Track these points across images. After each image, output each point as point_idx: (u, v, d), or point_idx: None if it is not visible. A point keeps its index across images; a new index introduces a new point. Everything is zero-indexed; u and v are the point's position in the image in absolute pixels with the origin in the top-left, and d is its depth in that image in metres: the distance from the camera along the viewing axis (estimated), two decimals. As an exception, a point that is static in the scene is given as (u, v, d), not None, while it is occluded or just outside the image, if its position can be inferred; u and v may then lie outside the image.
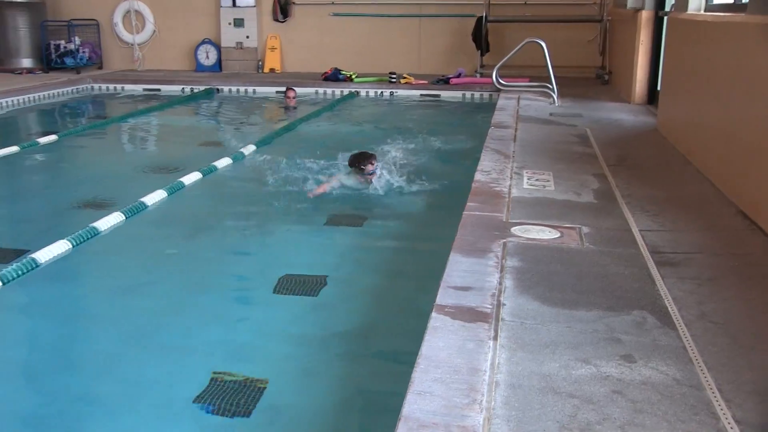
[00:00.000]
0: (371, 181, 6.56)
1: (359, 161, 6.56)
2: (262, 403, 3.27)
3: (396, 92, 13.51)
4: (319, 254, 5.29)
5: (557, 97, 10.59)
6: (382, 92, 13.56)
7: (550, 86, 10.71)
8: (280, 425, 3.21)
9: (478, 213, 4.97)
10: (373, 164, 6.56)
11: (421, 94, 13.34)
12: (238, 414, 3.20)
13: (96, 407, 3.38)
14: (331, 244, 5.54)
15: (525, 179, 5.94)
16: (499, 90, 11.86)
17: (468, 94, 13.16)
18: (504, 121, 8.99)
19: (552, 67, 10.62)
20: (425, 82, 13.65)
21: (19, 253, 5.01)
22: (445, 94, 13.23)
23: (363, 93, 13.55)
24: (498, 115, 9.52)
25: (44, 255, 4.95)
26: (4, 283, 4.53)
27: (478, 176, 6.02)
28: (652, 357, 2.93)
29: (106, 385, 3.57)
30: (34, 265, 4.82)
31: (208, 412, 3.23)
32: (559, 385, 2.72)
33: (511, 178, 5.98)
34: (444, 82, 13.51)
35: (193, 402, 3.29)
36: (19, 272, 4.68)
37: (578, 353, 2.97)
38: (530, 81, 12.05)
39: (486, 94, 12.83)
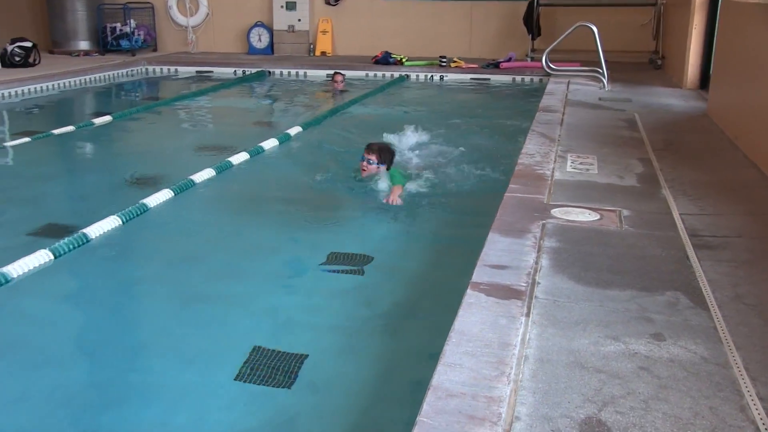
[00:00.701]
0: (362, 175, 6.07)
1: (365, 147, 6.14)
2: (302, 376, 3.37)
3: (446, 76, 13.52)
4: (366, 232, 5.37)
5: (607, 82, 10.48)
6: (432, 76, 13.58)
7: (601, 71, 10.59)
8: (321, 396, 3.31)
9: (519, 195, 5.00)
10: (369, 156, 6.00)
11: (471, 78, 13.32)
12: (279, 385, 3.31)
13: (144, 375, 3.53)
14: (377, 222, 5.62)
15: (569, 162, 5.94)
16: (549, 74, 11.79)
17: (518, 78, 13.09)
18: (552, 105, 8.95)
19: (603, 51, 10.50)
20: (475, 66, 13.61)
21: (71, 229, 5.22)
22: (495, 79, 13.19)
23: (413, 77, 13.59)
24: (546, 99, 9.48)
25: (95, 230, 5.16)
26: (56, 257, 4.73)
27: (521, 159, 6.05)
28: (681, 336, 2.95)
29: (153, 354, 3.73)
30: (85, 240, 5.02)
31: (250, 382, 3.35)
32: (587, 361, 2.77)
33: (555, 161, 5.99)
34: (494, 66, 13.46)
35: (236, 371, 3.41)
36: (71, 246, 4.89)
37: (608, 331, 3.00)
38: (581, 66, 11.93)
39: (536, 79, 12.76)
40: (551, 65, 11.64)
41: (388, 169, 6.08)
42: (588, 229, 4.29)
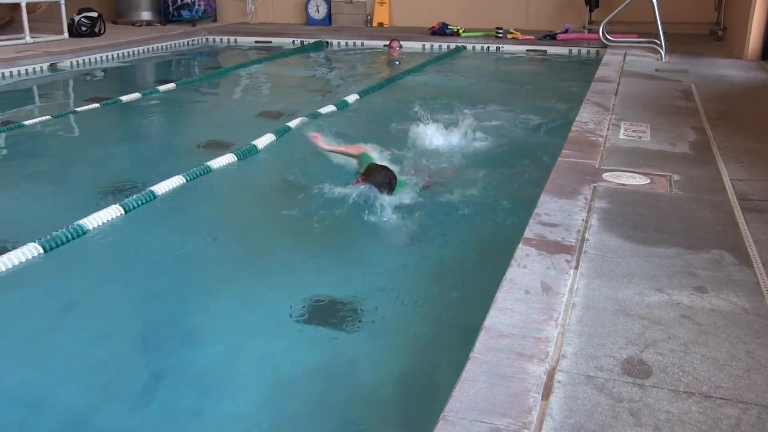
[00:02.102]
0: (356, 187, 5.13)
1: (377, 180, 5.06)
2: (363, 321, 3.59)
3: (502, 47, 13.53)
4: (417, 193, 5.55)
5: (665, 53, 10.39)
6: (488, 47, 13.61)
7: (659, 42, 10.50)
8: (379, 340, 3.52)
9: (572, 160, 5.12)
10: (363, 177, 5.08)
11: (527, 50, 13.31)
12: (340, 329, 3.54)
13: (208, 321, 3.78)
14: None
15: (622, 130, 6.01)
16: (606, 46, 11.73)
17: (574, 50, 13.02)
18: (607, 75, 8.96)
19: (661, 22, 10.41)
20: (532, 37, 13.59)
21: (139, 187, 5.52)
22: (552, 50, 13.15)
23: (469, 47, 13.64)
24: (602, 69, 9.48)
25: (161, 188, 5.46)
26: (126, 212, 5.04)
27: (575, 126, 6.15)
28: (724, 289, 3.08)
29: (216, 303, 3.97)
30: (152, 197, 5.33)
31: (311, 325, 3.59)
32: (631, 309, 2.92)
33: (608, 129, 6.07)
34: (551, 38, 13.41)
35: (294, 320, 3.65)
36: (139, 202, 5.20)
37: (653, 283, 3.15)
38: (638, 37, 11.83)
39: (592, 51, 12.68)
40: (608, 37, 11.58)
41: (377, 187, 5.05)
42: (638, 192, 4.41)
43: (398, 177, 5.16)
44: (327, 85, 10.78)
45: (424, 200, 5.20)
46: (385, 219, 4.83)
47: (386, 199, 4.96)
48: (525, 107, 8.31)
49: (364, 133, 7.29)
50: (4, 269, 4.11)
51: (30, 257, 4.28)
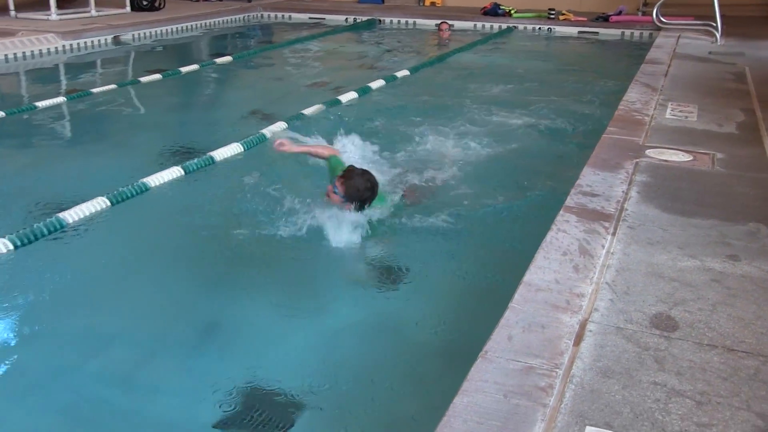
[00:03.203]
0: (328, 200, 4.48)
1: (351, 189, 4.34)
2: (408, 282, 3.81)
3: (554, 29, 13.54)
4: (464, 160, 5.74)
5: (720, 36, 10.31)
6: (539, 28, 13.62)
7: (714, 25, 10.43)
8: (422, 297, 3.74)
9: (616, 136, 5.25)
10: (337, 185, 4.36)
11: (579, 32, 13.30)
12: (386, 288, 3.77)
13: (261, 273, 4.03)
14: (480, 148, 5.96)
15: (668, 110, 6.09)
16: (659, 28, 11.67)
17: (627, 32, 12.98)
18: (658, 57, 8.97)
19: (718, 4, 10.32)
20: (584, 19, 13.56)
21: (199, 152, 5.81)
22: (604, 32, 13.12)
23: (520, 28, 13.67)
24: (653, 51, 9.48)
25: (219, 154, 5.75)
26: (186, 173, 5.33)
27: (622, 105, 6.25)
28: (756, 259, 3.21)
29: (267, 254, 4.22)
30: (211, 162, 5.61)
31: (359, 286, 3.82)
32: (664, 272, 3.08)
33: (654, 108, 6.15)
34: (604, 19, 13.37)
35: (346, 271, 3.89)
36: (199, 166, 5.50)
37: (687, 251, 3.29)
38: (694, 19, 11.73)
39: (645, 33, 12.63)
40: (662, 19, 11.52)
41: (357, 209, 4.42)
42: (679, 168, 4.52)
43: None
44: (377, 61, 10.96)
45: (475, 170, 5.38)
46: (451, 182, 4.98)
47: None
48: (573, 88, 8.41)
49: (413, 102, 7.50)
50: (77, 219, 4.45)
51: (99, 209, 4.60)
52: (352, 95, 7.81)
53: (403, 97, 8.14)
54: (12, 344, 3.30)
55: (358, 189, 4.29)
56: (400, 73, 9.02)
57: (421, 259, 4.09)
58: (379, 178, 4.55)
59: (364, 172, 4.41)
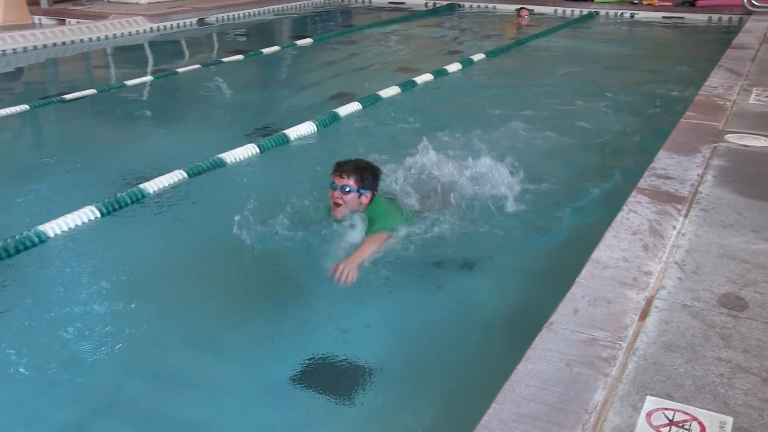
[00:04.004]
0: (336, 213, 3.84)
1: (334, 168, 3.89)
2: (479, 263, 3.87)
3: (637, 14, 13.26)
4: (538, 140, 5.75)
5: (813, 22, 9.93)
6: (622, 13, 13.36)
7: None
8: (496, 276, 3.79)
9: (695, 121, 5.17)
10: (343, 180, 3.79)
11: (664, 17, 12.99)
12: (459, 268, 3.83)
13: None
14: (554, 130, 5.98)
15: (753, 96, 5.94)
16: (750, 12, 11.30)
17: (714, 17, 12.60)
18: (746, 42, 8.71)
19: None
20: (669, 3, 13.25)
21: (274, 130, 5.99)
22: (690, 17, 12.79)
23: (602, 13, 13.43)
24: (741, 36, 9.22)
25: (294, 132, 5.91)
26: (261, 151, 5.51)
27: (703, 90, 6.13)
28: (834, 243, 3.16)
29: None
30: (285, 140, 5.79)
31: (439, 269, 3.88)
32: (736, 253, 3.06)
33: (738, 93, 6.01)
34: (690, 4, 13.03)
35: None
36: (273, 143, 5.67)
37: (763, 234, 3.26)
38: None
39: (735, 18, 12.22)
40: (754, 2, 11.15)
41: (373, 197, 3.92)
42: (760, 153, 4.44)
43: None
44: (455, 44, 10.97)
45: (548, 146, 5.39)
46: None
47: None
48: (653, 73, 8.28)
49: (487, 86, 7.51)
50: (156, 189, 4.68)
51: (176, 181, 4.83)
52: (427, 77, 7.87)
53: (478, 80, 8.16)
54: (100, 303, 3.49)
55: (362, 165, 3.87)
56: (476, 57, 9.03)
57: (490, 239, 4.11)
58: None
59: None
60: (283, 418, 2.76)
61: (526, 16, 12.82)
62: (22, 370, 2.95)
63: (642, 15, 13.18)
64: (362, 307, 3.48)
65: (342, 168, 3.81)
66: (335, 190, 3.78)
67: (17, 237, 3.88)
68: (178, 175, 4.86)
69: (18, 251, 3.84)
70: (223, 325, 3.34)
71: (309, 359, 3.02)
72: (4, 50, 9.17)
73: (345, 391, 2.84)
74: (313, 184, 4.82)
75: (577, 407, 2.10)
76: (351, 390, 2.84)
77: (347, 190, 3.76)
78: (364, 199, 3.84)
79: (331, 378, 2.94)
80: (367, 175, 3.84)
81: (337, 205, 3.80)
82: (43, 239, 3.96)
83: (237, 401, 2.81)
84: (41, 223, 4.04)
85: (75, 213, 4.20)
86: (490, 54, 9.34)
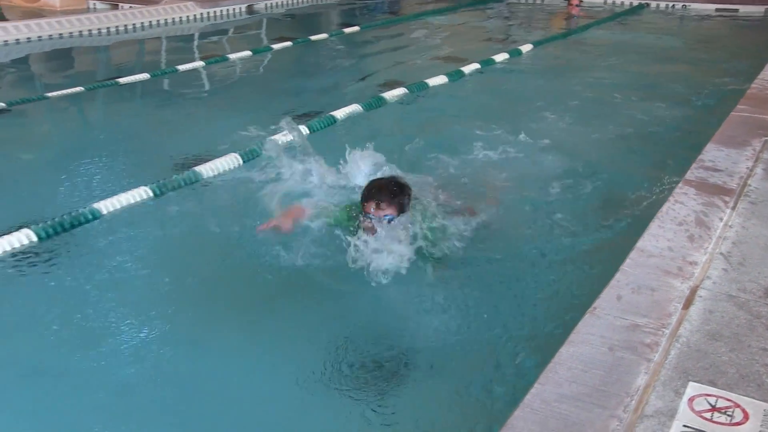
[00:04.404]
0: (371, 233, 3.50)
1: (366, 197, 3.57)
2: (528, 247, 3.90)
3: (689, 6, 13.04)
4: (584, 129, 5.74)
5: None
6: (673, 5, 13.15)
7: None
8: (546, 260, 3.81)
9: (746, 114, 5.11)
10: (381, 211, 3.49)
11: (717, 9, 12.75)
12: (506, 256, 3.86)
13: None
14: (599, 119, 5.96)
15: (808, 90, 5.85)
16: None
17: (771, 9, 12.36)
18: (801, 36, 8.54)
19: None
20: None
21: (322, 112, 6.11)
22: (745, 9, 12.54)
23: (653, 5, 13.24)
24: (796, 30, 9.04)
25: (341, 113, 6.06)
26: (311, 132, 5.60)
27: (756, 83, 6.05)
28: None
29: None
30: (332, 121, 5.92)
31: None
32: (784, 247, 3.05)
33: (792, 87, 5.92)
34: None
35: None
36: (322, 125, 5.81)
37: (812, 228, 3.24)
38: None
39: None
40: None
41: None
42: (813, 147, 4.38)
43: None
44: (502, 34, 10.94)
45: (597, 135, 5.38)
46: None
47: None
48: (703, 66, 8.17)
49: (532, 81, 7.50)
50: (211, 174, 4.79)
51: (232, 167, 4.94)
52: (474, 66, 7.88)
53: (526, 71, 8.16)
54: (150, 280, 3.58)
55: (396, 188, 3.56)
56: (524, 48, 8.99)
57: (536, 227, 4.13)
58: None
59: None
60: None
61: (577, 5, 12.71)
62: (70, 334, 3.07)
63: (694, 7, 12.96)
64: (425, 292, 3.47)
65: (379, 196, 3.49)
66: (367, 220, 3.48)
67: (72, 213, 4.03)
68: (233, 160, 4.98)
69: (73, 227, 3.98)
70: (270, 304, 3.42)
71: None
72: (60, 33, 9.41)
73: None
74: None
75: (618, 390, 2.13)
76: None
77: (389, 219, 3.48)
78: (404, 219, 3.57)
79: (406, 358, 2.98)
80: (404, 198, 3.57)
81: (374, 230, 3.48)
82: (97, 216, 4.09)
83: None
84: (96, 201, 4.18)
85: (129, 192, 4.33)
86: (537, 44, 9.30)
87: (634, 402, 2.09)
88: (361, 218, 3.53)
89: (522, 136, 5.30)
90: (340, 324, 3.24)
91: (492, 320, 3.20)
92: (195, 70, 7.91)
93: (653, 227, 3.23)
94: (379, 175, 4.08)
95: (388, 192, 3.52)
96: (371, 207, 3.48)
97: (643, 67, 8.23)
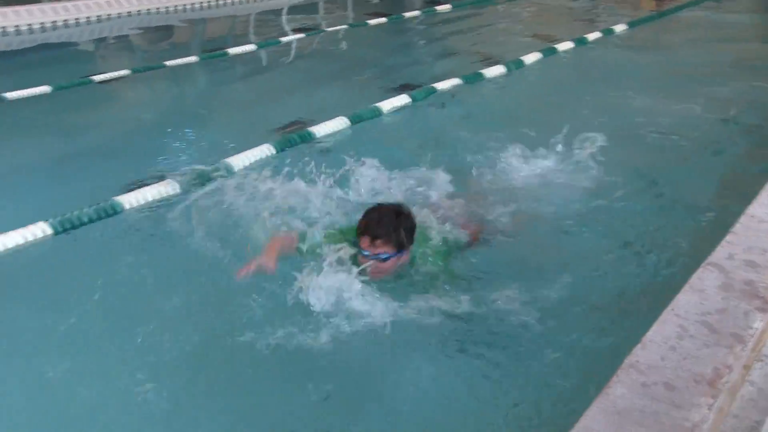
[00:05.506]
0: (365, 270, 3.04)
1: (361, 230, 3.09)
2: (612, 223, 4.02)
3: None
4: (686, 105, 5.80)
5: None
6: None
7: None
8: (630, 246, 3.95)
9: None
10: (376, 249, 3.03)
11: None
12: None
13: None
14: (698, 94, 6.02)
15: None
16: None
17: None
18: None
19: None
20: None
21: (420, 85, 6.36)
22: None
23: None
24: None
25: (441, 85, 6.33)
26: (413, 101, 5.94)
27: None
28: None
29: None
30: (433, 91, 6.22)
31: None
32: None
33: None
34: None
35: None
36: (424, 95, 6.12)
37: None
38: None
39: None
40: None
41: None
42: None
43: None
44: (594, 15, 10.93)
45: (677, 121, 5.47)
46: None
47: None
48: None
49: (625, 62, 7.58)
50: (322, 134, 5.16)
51: (339, 128, 5.30)
52: (568, 44, 7.98)
53: (619, 50, 8.23)
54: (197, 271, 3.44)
55: (394, 222, 3.04)
56: (617, 27, 9.02)
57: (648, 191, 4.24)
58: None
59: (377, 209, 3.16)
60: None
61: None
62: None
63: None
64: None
65: (373, 231, 3.01)
66: (367, 257, 3.04)
67: (206, 167, 4.38)
68: (341, 123, 5.32)
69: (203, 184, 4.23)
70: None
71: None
72: (175, 6, 9.88)
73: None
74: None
75: (737, 331, 2.33)
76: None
77: (384, 258, 3.03)
78: (405, 258, 3.13)
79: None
80: (402, 232, 3.06)
81: (373, 273, 3.03)
82: (232, 172, 4.40)
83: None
84: (226, 157, 4.53)
85: (253, 150, 4.71)
86: (631, 25, 9.31)
87: (751, 343, 2.29)
88: (357, 252, 3.09)
89: (617, 114, 5.42)
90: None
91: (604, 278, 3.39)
92: (297, 41, 8.37)
93: (763, 196, 3.39)
94: (382, 199, 3.63)
95: (383, 226, 3.03)
96: (366, 242, 3.04)
97: (738, 50, 8.14)
